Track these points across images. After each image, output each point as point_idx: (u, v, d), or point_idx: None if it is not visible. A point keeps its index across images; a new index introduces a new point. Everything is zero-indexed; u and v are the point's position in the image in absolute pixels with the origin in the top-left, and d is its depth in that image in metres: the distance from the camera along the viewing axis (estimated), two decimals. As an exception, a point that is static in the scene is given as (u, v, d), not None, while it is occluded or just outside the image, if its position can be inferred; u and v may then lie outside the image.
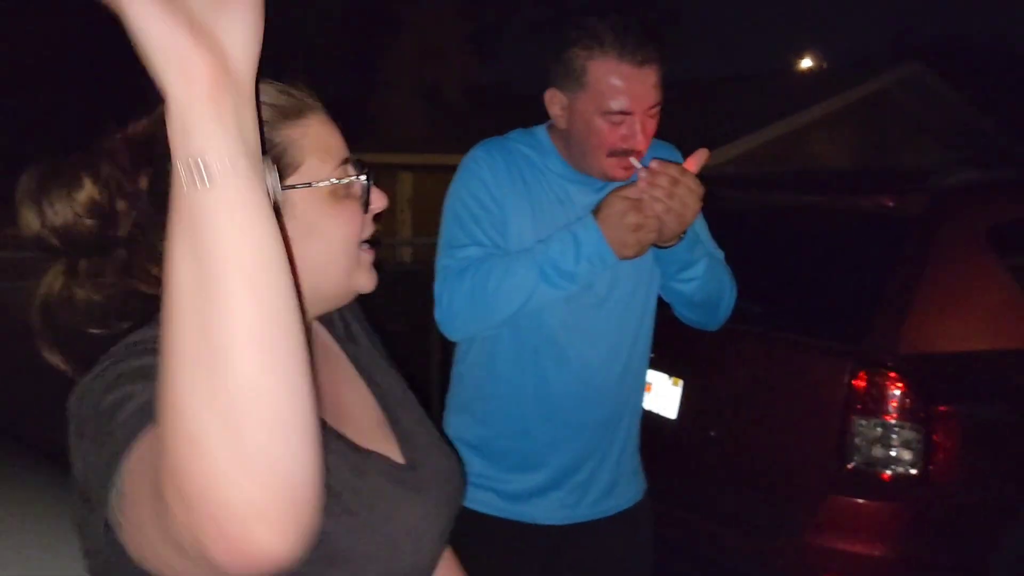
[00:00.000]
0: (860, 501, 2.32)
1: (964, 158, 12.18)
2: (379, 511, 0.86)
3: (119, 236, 0.78)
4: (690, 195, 1.46)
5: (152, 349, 0.71)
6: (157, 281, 0.77)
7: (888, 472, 2.29)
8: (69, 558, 0.83)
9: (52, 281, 0.78)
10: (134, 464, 0.61)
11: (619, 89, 1.49)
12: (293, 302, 0.53)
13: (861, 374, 2.32)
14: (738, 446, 2.58)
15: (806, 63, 20.95)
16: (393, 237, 11.63)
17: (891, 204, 2.63)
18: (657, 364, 2.79)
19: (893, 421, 2.28)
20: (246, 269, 0.51)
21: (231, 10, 0.53)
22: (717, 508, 2.58)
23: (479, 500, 1.68)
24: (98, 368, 0.73)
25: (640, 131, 1.51)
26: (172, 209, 0.51)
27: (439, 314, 1.60)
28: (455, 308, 1.57)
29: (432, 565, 0.94)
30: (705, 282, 1.65)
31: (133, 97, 0.78)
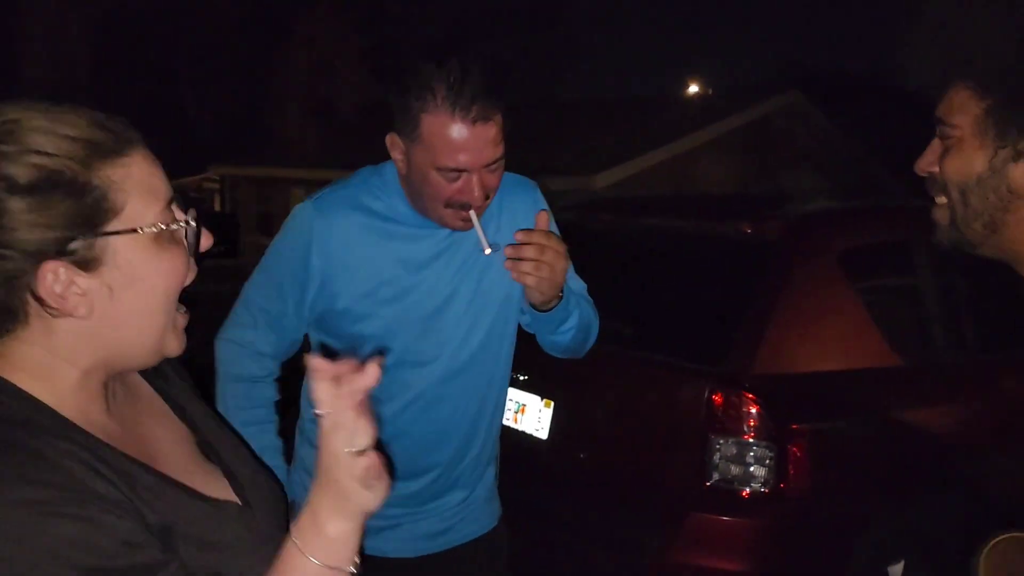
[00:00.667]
0: (719, 517, 2.39)
1: (838, 182, 12.93)
2: (237, 563, 0.85)
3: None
4: (557, 258, 1.45)
5: None
6: None
7: (744, 488, 2.37)
8: None
9: None
10: None
11: (453, 147, 1.41)
12: None
13: (719, 394, 2.40)
14: (606, 465, 2.63)
15: (695, 89, 21.80)
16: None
17: (749, 230, 2.75)
18: (529, 386, 2.81)
19: (748, 440, 2.37)
20: None
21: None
22: (585, 527, 2.61)
23: None
24: None
25: (477, 186, 1.44)
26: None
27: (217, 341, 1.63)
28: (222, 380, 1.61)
29: None
30: (579, 330, 1.66)
31: None
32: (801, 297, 2.60)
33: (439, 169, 1.44)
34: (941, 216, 1.03)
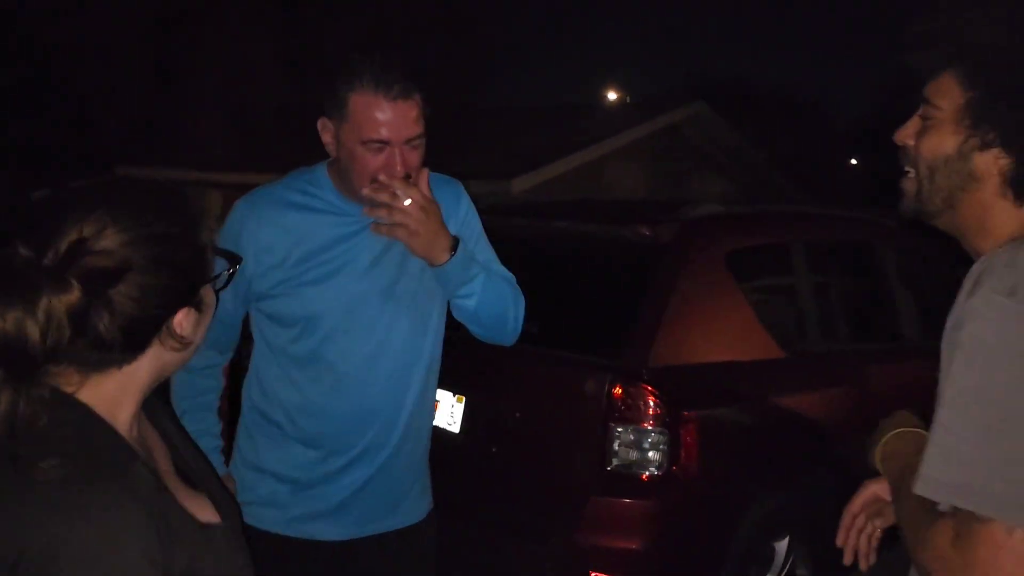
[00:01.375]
0: (618, 500, 2.58)
1: (743, 187, 13.51)
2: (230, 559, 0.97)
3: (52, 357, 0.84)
4: (416, 209, 1.62)
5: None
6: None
7: (641, 473, 2.57)
8: None
9: (14, 399, 0.81)
10: None
11: (377, 121, 1.60)
12: None
13: (618, 386, 2.58)
14: (515, 456, 2.78)
15: (612, 96, 22.33)
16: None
17: (646, 233, 2.95)
18: (441, 382, 2.94)
19: (645, 427, 2.57)
20: None
21: None
22: (496, 517, 2.76)
23: (264, 518, 1.74)
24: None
25: (399, 161, 1.63)
26: None
27: None
28: (173, 387, 1.78)
29: None
30: (484, 297, 1.78)
31: None
32: (692, 295, 2.82)
33: (364, 143, 1.62)
34: (909, 187, 1.10)
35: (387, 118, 1.61)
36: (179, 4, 10.50)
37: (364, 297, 1.72)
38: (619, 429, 2.57)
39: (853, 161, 26.46)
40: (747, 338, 2.93)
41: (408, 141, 1.64)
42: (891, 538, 1.20)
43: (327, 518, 1.76)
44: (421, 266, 1.74)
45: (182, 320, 0.93)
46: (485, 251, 1.91)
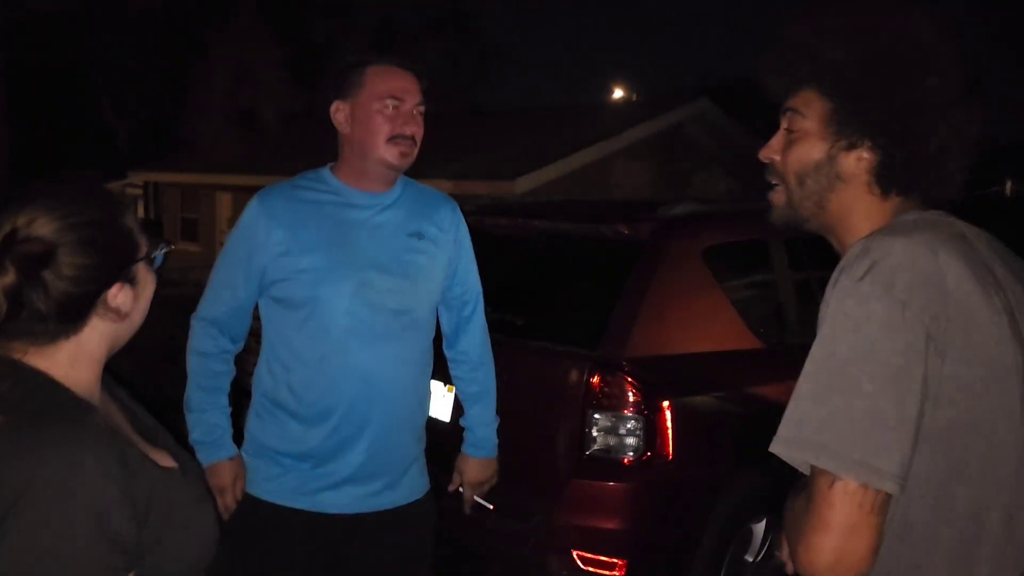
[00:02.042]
0: (597, 483, 2.73)
1: (748, 185, 13.58)
2: (191, 519, 1.10)
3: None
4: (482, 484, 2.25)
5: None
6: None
7: (619, 457, 2.72)
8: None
9: None
10: None
11: (391, 80, 1.86)
12: None
13: (596, 374, 2.74)
14: (501, 442, 2.93)
15: (619, 94, 22.41)
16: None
17: (626, 231, 3.11)
18: (433, 373, 3.10)
19: (622, 414, 2.72)
20: None
21: None
22: (483, 498, 2.91)
23: (275, 492, 1.91)
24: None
25: (410, 118, 1.88)
26: None
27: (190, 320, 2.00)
28: (188, 353, 1.98)
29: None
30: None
31: None
32: (669, 289, 2.97)
33: (380, 99, 1.85)
34: (778, 198, 1.21)
35: (400, 81, 1.88)
36: (188, 14, 10.74)
37: (369, 279, 1.88)
38: (597, 416, 2.72)
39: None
40: (724, 330, 3.07)
41: (416, 105, 1.88)
42: None
43: (335, 490, 1.91)
44: (422, 249, 1.95)
45: (116, 294, 1.06)
46: (472, 268, 2.14)
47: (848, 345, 1.01)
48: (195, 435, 1.92)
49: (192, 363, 1.97)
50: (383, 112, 1.84)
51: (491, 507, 2.28)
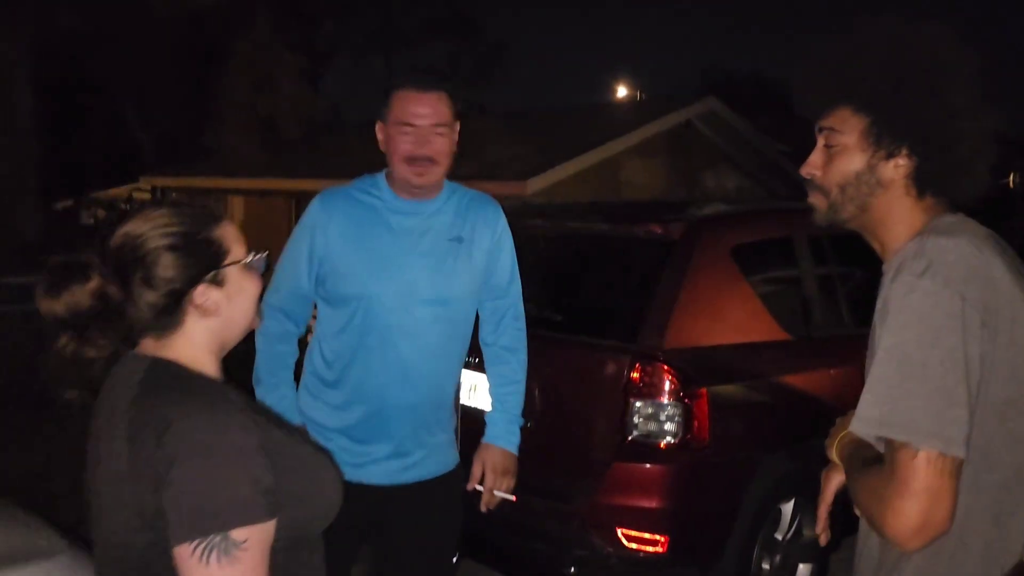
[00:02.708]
0: (638, 466, 2.93)
1: (758, 183, 13.73)
2: (317, 468, 1.30)
3: (109, 314, 1.21)
4: (505, 475, 2.30)
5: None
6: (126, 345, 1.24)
7: (658, 441, 2.91)
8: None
9: (64, 345, 1.20)
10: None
11: (404, 107, 2.04)
12: None
13: (636, 365, 2.93)
14: (546, 430, 3.13)
15: (624, 93, 22.56)
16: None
17: (658, 231, 3.30)
18: (480, 367, 3.30)
19: (661, 401, 2.91)
20: None
21: None
22: (529, 483, 3.11)
23: None
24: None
25: (424, 142, 2.03)
26: None
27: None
28: (257, 334, 2.12)
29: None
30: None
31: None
32: (700, 285, 3.16)
33: (398, 124, 2.04)
34: (820, 203, 1.32)
35: (416, 106, 2.04)
36: (207, 25, 10.98)
37: (412, 280, 2.09)
38: (638, 403, 2.92)
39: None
40: (753, 323, 3.27)
41: (433, 126, 2.05)
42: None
43: (375, 464, 2.13)
44: (463, 252, 2.15)
45: (202, 293, 1.24)
46: (510, 266, 2.31)
47: (916, 334, 1.17)
48: (267, 404, 2.12)
49: (260, 343, 2.19)
50: (402, 135, 2.04)
51: (513, 498, 2.35)
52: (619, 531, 2.90)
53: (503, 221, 2.27)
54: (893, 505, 1.14)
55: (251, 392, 2.11)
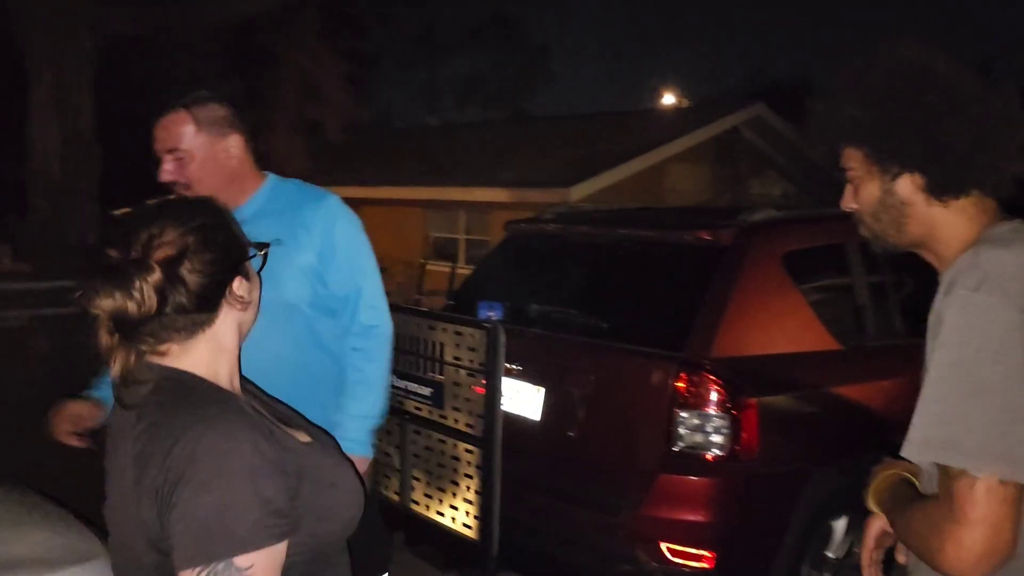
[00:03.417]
0: (684, 478, 2.85)
1: (805, 189, 13.50)
2: (337, 478, 1.25)
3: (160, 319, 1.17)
4: None
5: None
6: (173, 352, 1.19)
7: (704, 453, 2.84)
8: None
9: (126, 357, 1.16)
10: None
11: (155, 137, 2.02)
12: None
13: (682, 375, 2.86)
14: (589, 440, 3.08)
15: (670, 101, 22.39)
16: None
17: (708, 237, 3.23)
18: (523, 375, 3.27)
19: (707, 412, 2.84)
20: None
21: None
22: (572, 493, 3.06)
23: None
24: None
25: (165, 171, 2.00)
26: None
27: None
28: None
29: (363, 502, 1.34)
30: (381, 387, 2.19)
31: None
32: (750, 292, 3.08)
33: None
34: (867, 234, 1.38)
35: (155, 132, 2.01)
36: (256, 31, 11.17)
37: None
38: (684, 414, 2.84)
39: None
40: (805, 332, 3.17)
41: (169, 151, 2.01)
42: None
43: None
44: (281, 255, 2.00)
45: (239, 285, 1.23)
46: (347, 264, 2.11)
47: (975, 349, 1.11)
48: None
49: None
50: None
51: None
52: (663, 545, 2.82)
53: (329, 218, 2.09)
54: (951, 535, 1.09)
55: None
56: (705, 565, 2.80)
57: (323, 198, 2.13)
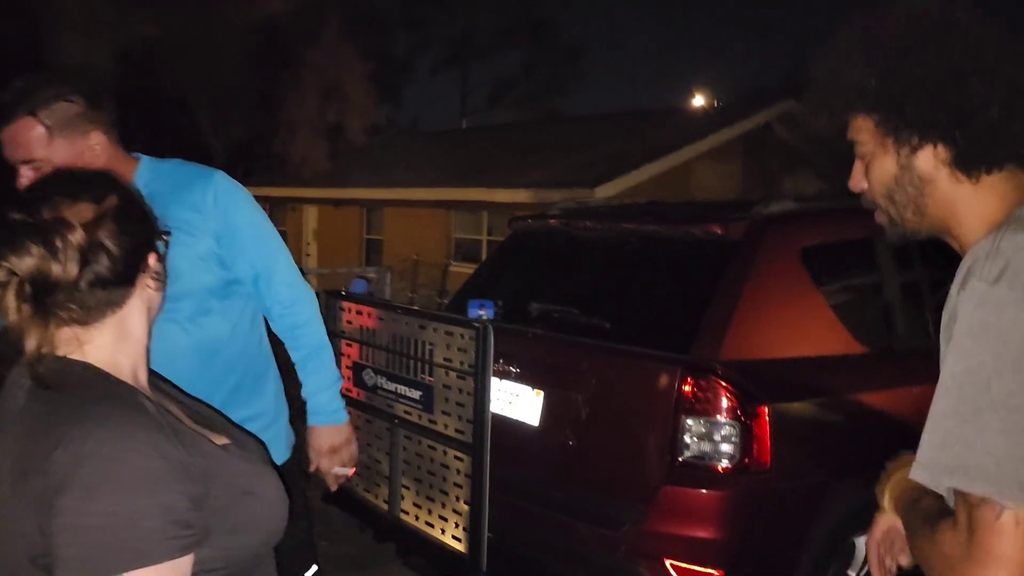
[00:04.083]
0: (690, 491, 2.64)
1: (838, 186, 13.13)
2: (255, 486, 1.10)
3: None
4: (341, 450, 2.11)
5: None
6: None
7: (713, 464, 2.62)
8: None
9: (43, 330, 1.01)
10: None
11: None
12: None
13: (689, 379, 2.65)
14: (590, 446, 2.88)
15: (699, 101, 22.07)
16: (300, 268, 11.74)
17: (718, 230, 3.01)
18: (520, 378, 3.08)
19: (716, 419, 2.62)
20: None
21: None
22: (571, 504, 2.86)
23: None
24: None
25: (24, 178, 1.78)
26: None
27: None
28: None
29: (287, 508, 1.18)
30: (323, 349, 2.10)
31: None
32: (764, 291, 2.86)
33: None
34: (882, 219, 1.21)
35: (4, 144, 1.80)
36: (279, 33, 11.17)
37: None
38: (690, 421, 2.63)
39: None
40: (824, 333, 2.94)
41: (22, 164, 1.79)
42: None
43: None
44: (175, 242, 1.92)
45: (155, 261, 1.13)
46: (254, 242, 1.97)
47: (993, 355, 0.92)
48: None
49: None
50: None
51: (350, 472, 2.16)
52: (668, 562, 2.61)
53: (224, 195, 1.93)
54: (973, 573, 0.92)
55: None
56: (712, 585, 2.58)
57: (209, 176, 1.96)
